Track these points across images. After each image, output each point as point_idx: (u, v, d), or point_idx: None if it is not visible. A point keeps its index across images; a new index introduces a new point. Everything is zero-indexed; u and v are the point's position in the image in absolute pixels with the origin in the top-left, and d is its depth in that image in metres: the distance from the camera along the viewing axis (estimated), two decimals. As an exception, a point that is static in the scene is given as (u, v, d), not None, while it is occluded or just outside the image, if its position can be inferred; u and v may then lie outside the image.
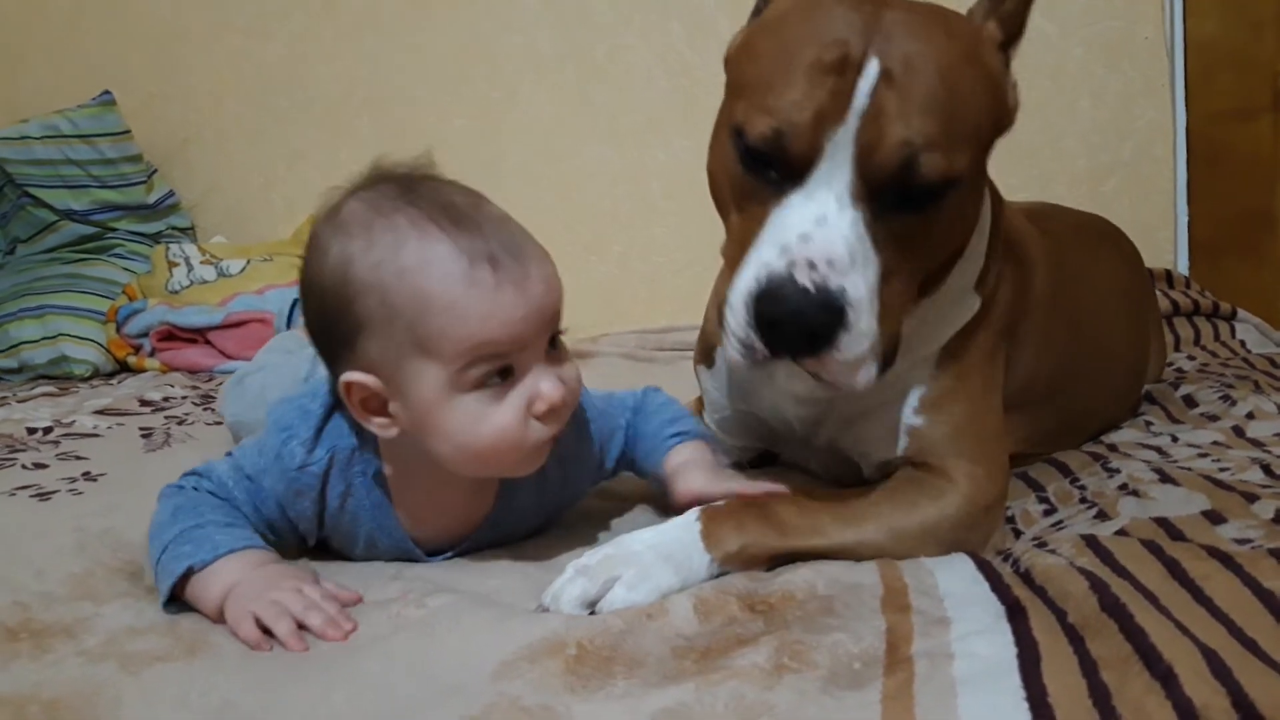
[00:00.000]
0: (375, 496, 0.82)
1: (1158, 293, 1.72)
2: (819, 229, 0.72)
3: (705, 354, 1.07)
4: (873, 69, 0.72)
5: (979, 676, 0.58)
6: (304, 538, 0.85)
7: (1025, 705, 0.54)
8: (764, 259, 0.73)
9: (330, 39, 2.31)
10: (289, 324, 1.93)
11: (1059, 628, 0.64)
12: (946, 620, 0.67)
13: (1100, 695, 0.54)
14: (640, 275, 2.22)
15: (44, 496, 1.05)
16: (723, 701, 0.56)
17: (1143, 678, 0.54)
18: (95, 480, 1.12)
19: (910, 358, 0.88)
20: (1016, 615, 0.66)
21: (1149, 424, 1.22)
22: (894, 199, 0.74)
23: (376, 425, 0.78)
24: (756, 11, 0.86)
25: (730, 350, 0.76)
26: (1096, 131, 1.94)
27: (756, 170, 0.76)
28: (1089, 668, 0.58)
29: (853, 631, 0.65)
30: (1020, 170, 1.93)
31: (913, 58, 0.73)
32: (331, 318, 0.76)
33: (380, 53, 2.26)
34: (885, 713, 0.54)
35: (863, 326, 0.72)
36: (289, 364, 1.13)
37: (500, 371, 0.75)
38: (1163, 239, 1.94)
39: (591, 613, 0.72)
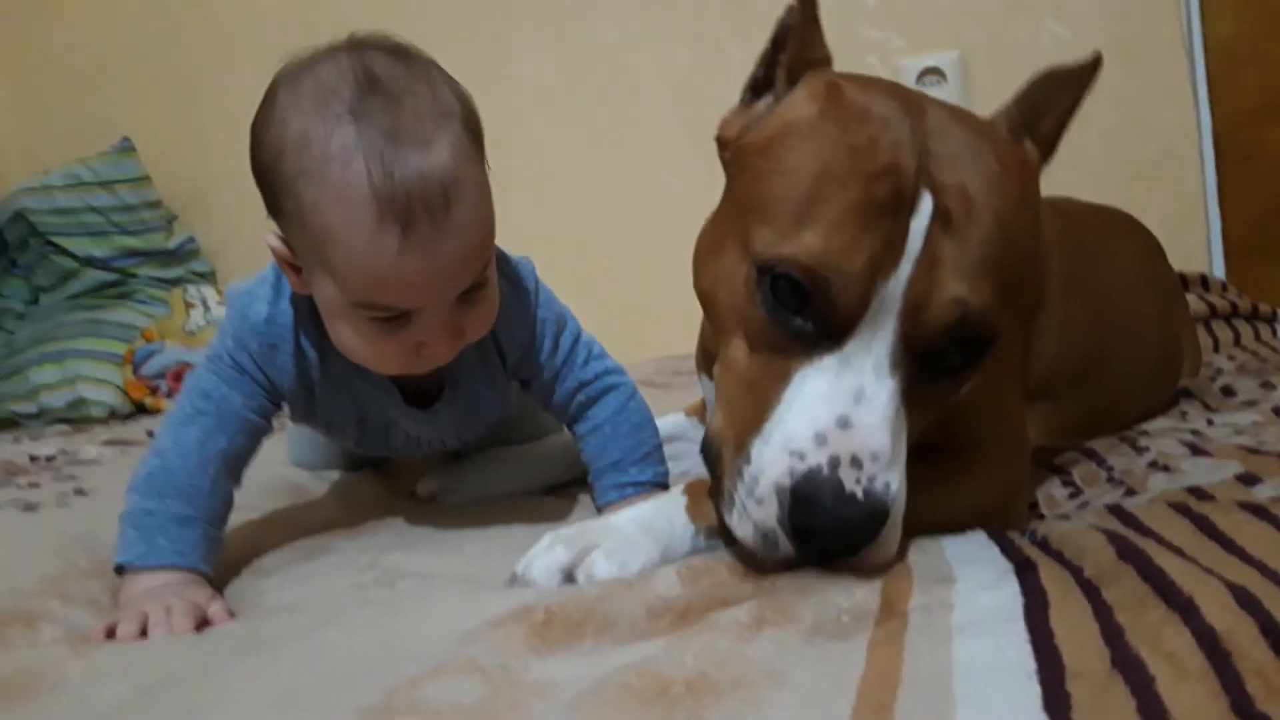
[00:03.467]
0: None
1: (1193, 296, 1.66)
2: (859, 409, 0.62)
3: (706, 363, 1.02)
4: (927, 206, 0.63)
5: (979, 623, 0.53)
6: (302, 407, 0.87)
7: (1029, 647, 0.48)
8: (797, 445, 0.62)
9: (345, 82, 2.34)
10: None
11: (1072, 580, 0.58)
12: (950, 579, 0.62)
13: (1113, 633, 0.48)
14: (656, 300, 2.18)
15: (31, 508, 1.03)
16: (692, 653, 0.51)
17: (1159, 610, 0.49)
18: (85, 495, 1.10)
19: None
20: (1025, 570, 0.61)
21: (1184, 414, 1.16)
22: (932, 362, 0.65)
23: (292, 281, 0.79)
24: (757, 88, 0.77)
25: (742, 533, 0.64)
26: (1118, 134, 1.90)
27: (780, 315, 0.65)
28: (1103, 613, 0.52)
29: (846, 589, 0.60)
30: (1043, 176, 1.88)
31: (970, 194, 0.64)
32: (260, 182, 0.74)
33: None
34: (871, 658, 0.49)
35: (899, 512, 0.64)
36: None
37: (394, 315, 0.73)
38: (1195, 242, 1.88)
39: (567, 583, 0.67)
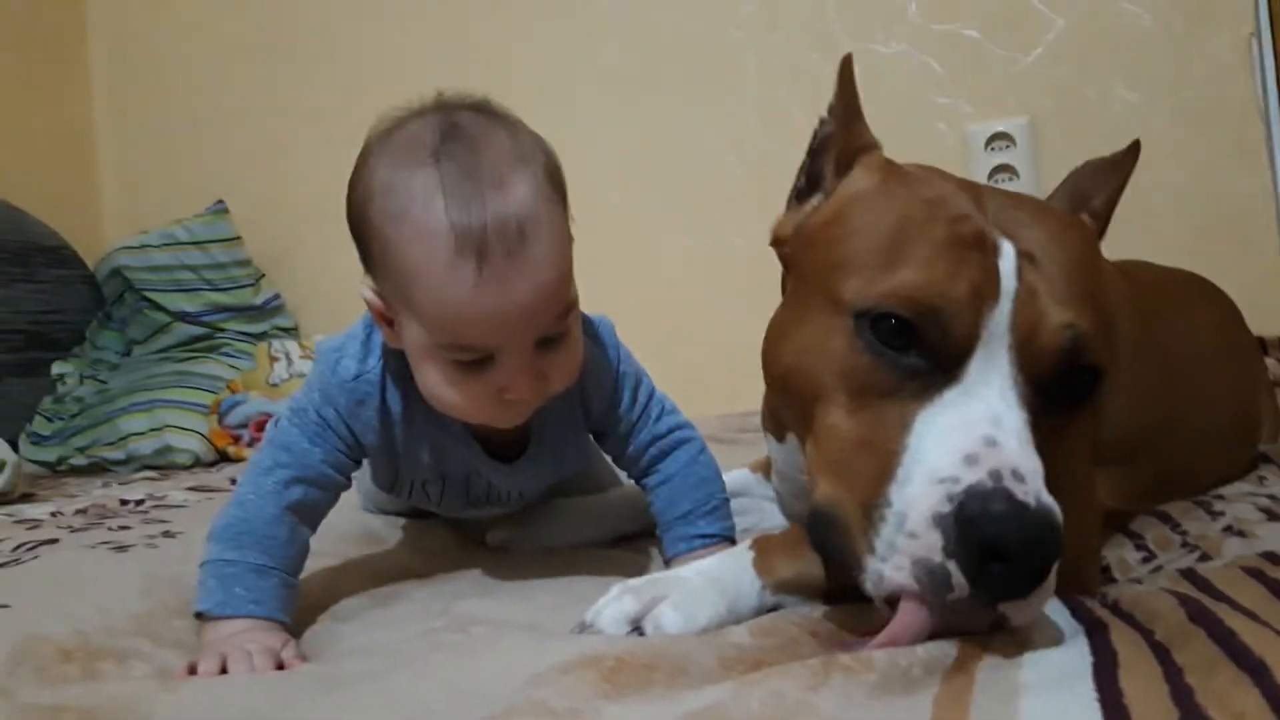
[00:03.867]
0: None
1: (1273, 360, 1.62)
2: (999, 431, 0.59)
3: (774, 426, 1.01)
4: (1009, 249, 0.63)
5: (1048, 682, 0.53)
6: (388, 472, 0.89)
7: (1097, 706, 0.48)
8: (945, 473, 0.58)
9: (425, 147, 2.44)
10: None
11: (1143, 642, 0.58)
12: (1022, 640, 0.62)
13: (1182, 694, 0.48)
14: (721, 359, 2.20)
15: (122, 549, 1.07)
16: (758, 700, 0.52)
17: (1230, 671, 0.48)
18: (174, 537, 1.14)
19: None
20: (1096, 631, 0.60)
21: (1262, 479, 1.13)
22: (1053, 395, 0.63)
23: (385, 334, 0.81)
24: (802, 193, 0.79)
25: (898, 579, 0.58)
26: (1191, 197, 1.88)
27: (888, 355, 0.63)
28: (1173, 674, 0.51)
29: (919, 647, 0.60)
30: (1110, 240, 1.86)
31: (1045, 243, 0.65)
32: (354, 233, 0.79)
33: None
34: (936, 713, 0.49)
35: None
36: None
37: (477, 358, 0.75)
38: (1273, 304, 1.84)
39: (634, 633, 0.68)
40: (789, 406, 0.75)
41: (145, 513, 1.34)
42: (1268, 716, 0.43)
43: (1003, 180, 1.93)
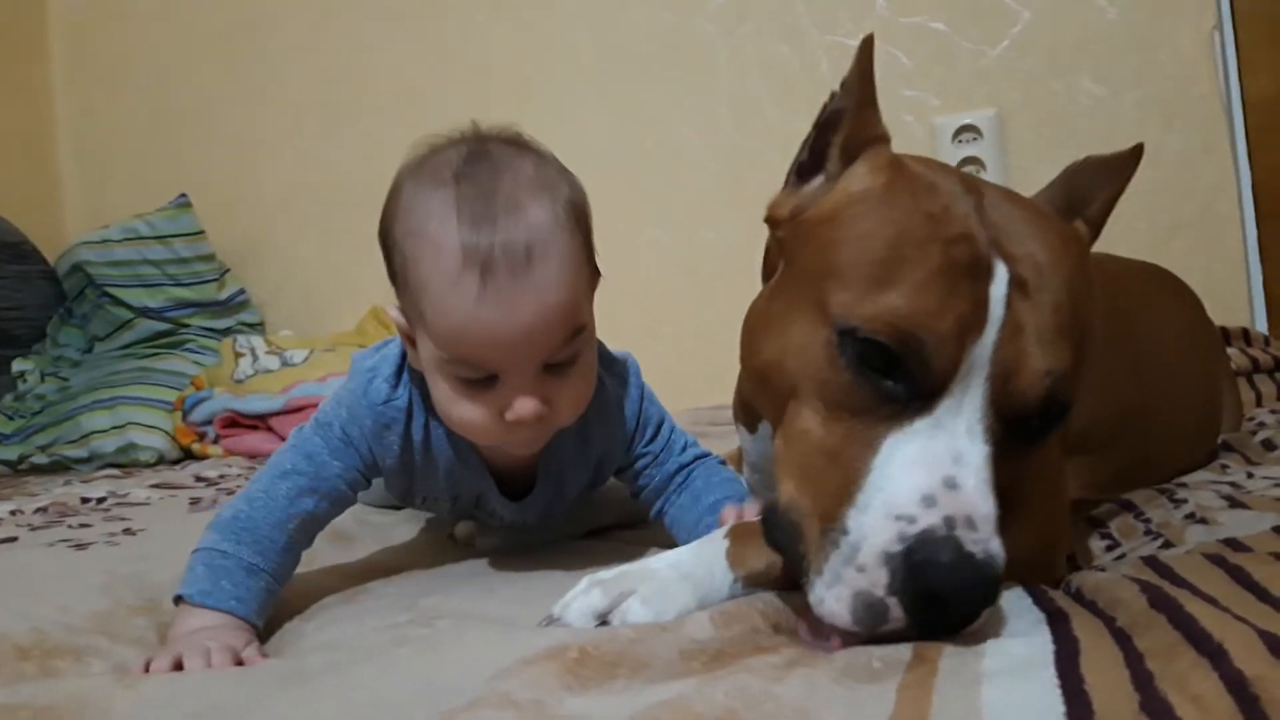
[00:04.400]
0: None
1: (1235, 350, 1.65)
2: (960, 470, 0.60)
3: (746, 416, 1.02)
4: (1003, 274, 0.63)
5: (1009, 669, 0.53)
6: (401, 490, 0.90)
7: (1059, 693, 0.48)
8: (903, 509, 0.59)
9: (394, 140, 2.40)
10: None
11: (1104, 629, 0.58)
12: (982, 631, 0.62)
13: (1143, 679, 0.48)
14: (693, 355, 2.20)
15: (81, 546, 1.05)
16: (723, 691, 0.51)
17: (1189, 656, 0.48)
18: (134, 535, 1.13)
19: None
20: (1058, 619, 0.61)
21: (1224, 467, 1.15)
22: (1015, 431, 0.64)
23: (410, 353, 0.83)
24: (804, 169, 0.76)
25: (836, 607, 0.60)
26: (1157, 193, 1.90)
27: (868, 377, 0.63)
28: (1134, 660, 0.52)
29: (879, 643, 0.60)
30: (1079, 234, 1.89)
31: (1041, 265, 0.65)
32: (383, 252, 0.80)
33: (439, 149, 2.35)
34: (900, 700, 0.49)
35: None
36: None
37: (480, 376, 0.76)
38: (1237, 298, 1.86)
39: (602, 627, 0.68)
40: (764, 396, 0.74)
41: (107, 510, 1.32)
42: (1225, 699, 0.43)
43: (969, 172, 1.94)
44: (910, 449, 0.62)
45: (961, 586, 0.58)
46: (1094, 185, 0.77)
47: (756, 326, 0.75)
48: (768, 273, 0.81)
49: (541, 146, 0.82)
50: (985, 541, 0.58)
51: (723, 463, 0.96)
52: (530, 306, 0.73)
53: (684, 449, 0.94)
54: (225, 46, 2.58)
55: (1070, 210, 0.76)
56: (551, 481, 0.91)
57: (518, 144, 0.80)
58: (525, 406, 0.76)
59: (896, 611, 0.59)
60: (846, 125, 0.73)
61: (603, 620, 0.68)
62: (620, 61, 2.29)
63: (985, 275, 0.63)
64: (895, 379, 0.63)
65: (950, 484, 0.60)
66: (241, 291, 2.41)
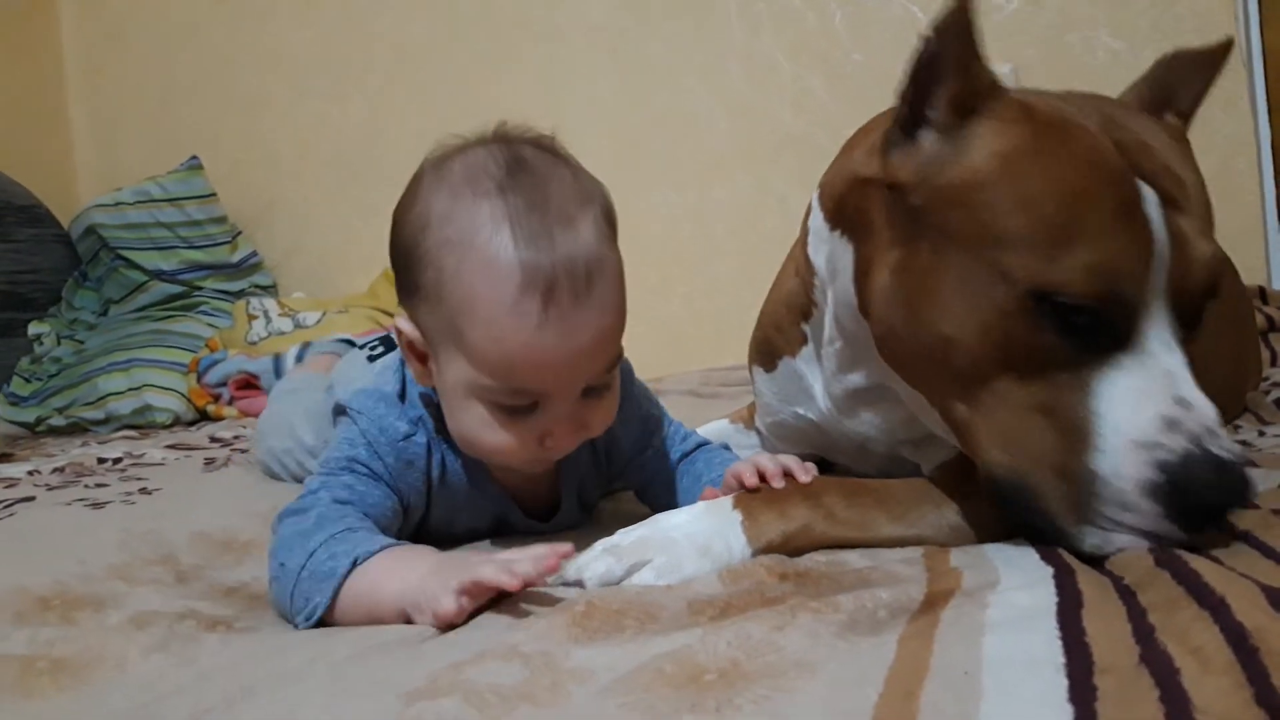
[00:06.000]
0: (468, 458, 0.81)
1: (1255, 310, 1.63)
2: (1179, 387, 0.63)
3: (763, 357, 1.02)
4: (1150, 194, 0.65)
5: (1012, 620, 0.53)
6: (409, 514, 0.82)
7: (1059, 644, 0.49)
8: (1147, 437, 0.62)
9: (403, 99, 2.40)
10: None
11: (1111, 586, 0.58)
12: (995, 582, 0.62)
13: (1144, 632, 0.49)
14: (706, 315, 2.21)
15: (98, 506, 1.07)
16: (726, 642, 0.52)
17: (1191, 609, 0.49)
18: (150, 494, 1.14)
19: None
20: (1064, 574, 0.61)
21: (1236, 426, 1.14)
22: (1189, 324, 0.67)
23: (415, 371, 0.78)
24: (907, 125, 0.73)
25: (1122, 543, 0.63)
26: (1174, 149, 1.87)
27: (1067, 334, 0.64)
28: (1136, 614, 0.52)
29: (888, 588, 0.60)
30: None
31: (1176, 175, 0.67)
32: (400, 264, 0.76)
33: (450, 109, 2.34)
34: (901, 651, 0.50)
35: None
36: (296, 400, 1.19)
37: (524, 404, 0.73)
38: (1254, 255, 1.85)
39: None
40: (938, 371, 0.72)
41: (123, 470, 1.34)
42: (1225, 651, 0.43)
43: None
44: (1127, 382, 0.64)
45: (1234, 494, 0.61)
46: (1184, 81, 0.78)
47: (915, 300, 0.71)
48: (850, 229, 0.80)
49: (566, 151, 0.78)
50: (1228, 443, 0.62)
51: (726, 448, 0.95)
52: (589, 331, 0.70)
53: (684, 438, 0.93)
54: (234, 6, 2.56)
55: (1160, 105, 0.77)
56: (573, 495, 0.88)
57: (550, 150, 0.76)
58: (568, 433, 0.75)
59: (1177, 534, 0.62)
60: (955, 77, 0.70)
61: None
62: (630, 17, 2.27)
63: (1139, 201, 0.65)
64: (1095, 328, 0.64)
65: (1182, 403, 0.63)
66: (254, 254, 2.42)
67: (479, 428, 0.74)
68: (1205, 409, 0.62)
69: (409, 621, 0.64)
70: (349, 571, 0.66)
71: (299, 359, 1.80)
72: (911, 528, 0.76)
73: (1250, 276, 1.78)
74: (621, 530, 0.73)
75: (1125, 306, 0.64)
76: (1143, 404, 0.63)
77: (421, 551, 0.70)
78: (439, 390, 0.77)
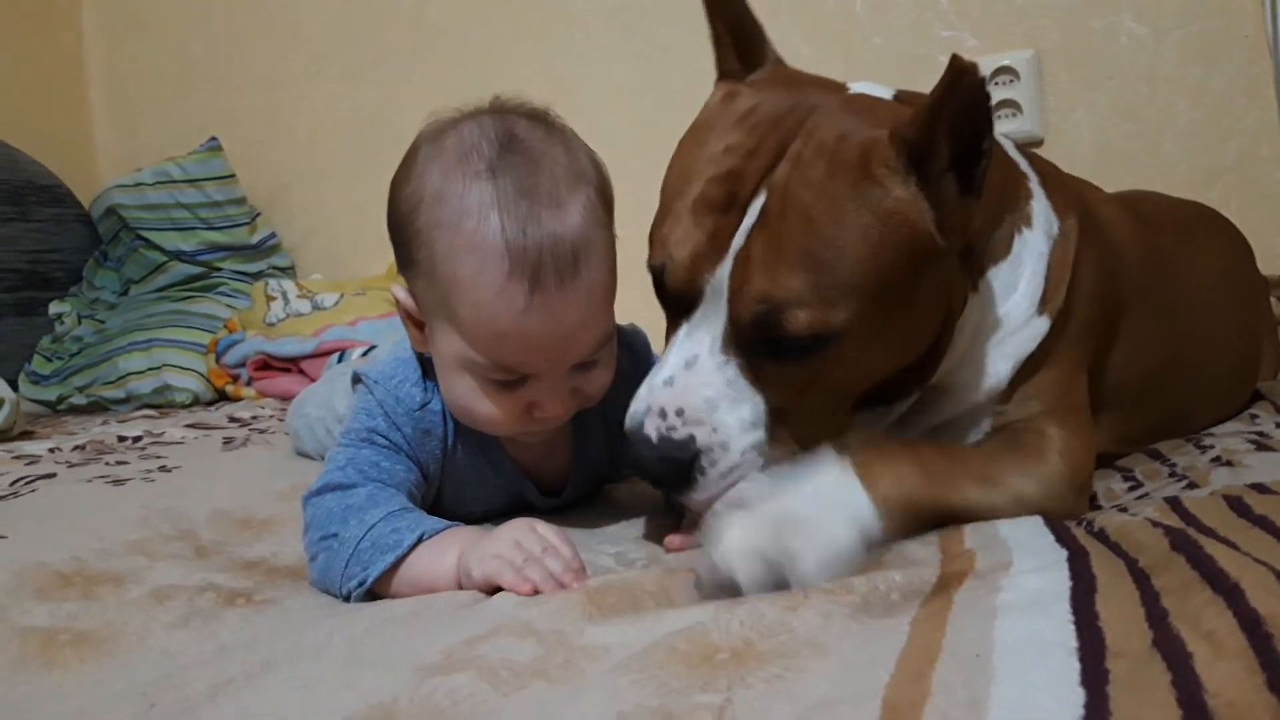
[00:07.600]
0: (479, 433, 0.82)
1: (1273, 298, 1.61)
2: (685, 374, 0.71)
3: None
4: (756, 207, 0.69)
5: (1024, 603, 0.53)
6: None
7: (1071, 627, 0.49)
8: (639, 394, 0.73)
9: (420, 81, 2.40)
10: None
11: (1125, 569, 0.58)
12: (1008, 564, 0.62)
13: (1158, 617, 0.49)
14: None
15: (118, 483, 1.08)
16: (739, 621, 0.52)
17: (1205, 594, 0.49)
18: (169, 472, 1.15)
19: (965, 406, 0.83)
20: (1078, 557, 0.61)
21: (1254, 416, 1.13)
22: (766, 347, 0.70)
23: (413, 337, 0.81)
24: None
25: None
26: (1197, 134, 1.85)
27: (659, 289, 0.74)
28: (1150, 598, 0.52)
29: (901, 570, 0.61)
30: (1116, 177, 1.84)
31: (791, 194, 0.68)
32: (396, 237, 0.78)
33: (465, 91, 2.33)
34: (913, 633, 0.50)
35: (724, 465, 0.70)
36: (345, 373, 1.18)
37: (515, 379, 0.74)
38: (1277, 245, 1.82)
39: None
40: None
41: (143, 449, 1.36)
42: (1238, 636, 0.43)
43: (1005, 116, 1.90)
44: (669, 350, 0.73)
45: (649, 460, 0.71)
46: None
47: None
48: None
49: (563, 122, 0.79)
50: (672, 429, 0.70)
51: None
52: (575, 313, 0.72)
53: None
54: (251, -13, 2.57)
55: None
56: (583, 470, 0.90)
57: (544, 122, 0.77)
58: (555, 406, 0.76)
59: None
60: (724, 39, 0.85)
61: (771, 570, 0.59)
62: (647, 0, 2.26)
63: (739, 209, 0.70)
64: (665, 293, 0.73)
65: (668, 383, 0.71)
66: (273, 235, 2.43)
67: (470, 397, 0.76)
68: (679, 392, 0.70)
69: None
70: (415, 544, 0.68)
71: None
72: (990, 499, 0.74)
73: (1272, 266, 1.76)
74: (740, 520, 0.62)
75: (674, 287, 0.72)
76: (656, 369, 0.73)
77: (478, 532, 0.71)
78: (434, 358, 0.79)
